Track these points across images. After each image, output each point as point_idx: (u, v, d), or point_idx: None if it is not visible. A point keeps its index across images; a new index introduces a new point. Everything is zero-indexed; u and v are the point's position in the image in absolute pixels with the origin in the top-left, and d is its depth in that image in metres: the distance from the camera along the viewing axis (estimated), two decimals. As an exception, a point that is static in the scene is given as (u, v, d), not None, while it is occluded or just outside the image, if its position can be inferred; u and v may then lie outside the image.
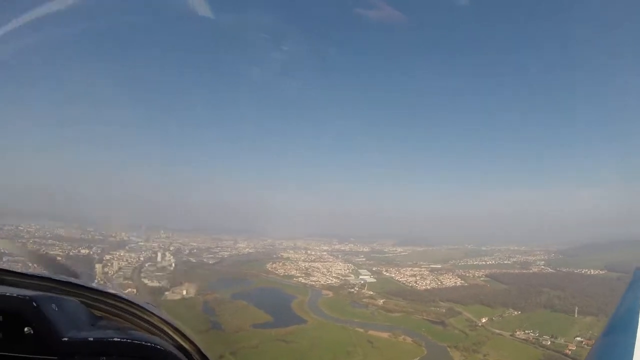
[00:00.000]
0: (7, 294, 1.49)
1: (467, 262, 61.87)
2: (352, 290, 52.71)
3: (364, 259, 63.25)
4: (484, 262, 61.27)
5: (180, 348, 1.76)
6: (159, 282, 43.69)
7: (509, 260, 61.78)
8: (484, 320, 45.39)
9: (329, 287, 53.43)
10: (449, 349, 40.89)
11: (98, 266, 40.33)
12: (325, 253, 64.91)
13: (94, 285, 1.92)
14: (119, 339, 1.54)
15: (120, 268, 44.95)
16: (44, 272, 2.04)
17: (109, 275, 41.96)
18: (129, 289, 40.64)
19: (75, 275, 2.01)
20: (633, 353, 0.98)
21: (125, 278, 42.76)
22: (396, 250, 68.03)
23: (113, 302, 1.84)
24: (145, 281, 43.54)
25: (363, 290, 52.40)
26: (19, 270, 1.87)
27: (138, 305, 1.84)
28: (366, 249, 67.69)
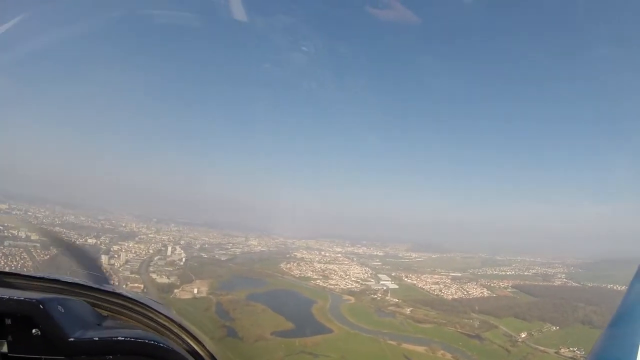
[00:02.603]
0: (16, 297, 1.44)
1: (486, 271, 55.65)
2: (375, 296, 45.62)
3: (380, 263, 56.28)
4: (503, 273, 55.10)
5: (187, 346, 1.63)
6: (168, 278, 35.88)
7: (528, 271, 55.80)
8: (523, 335, 39.00)
9: (350, 292, 46.24)
10: (493, 367, 34.23)
11: (104, 257, 32.68)
12: (339, 255, 57.74)
13: (99, 285, 1.76)
14: (123, 338, 1.46)
15: (127, 260, 36.92)
16: (51, 274, 1.88)
17: (115, 267, 34.13)
18: (136, 284, 32.87)
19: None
20: (638, 346, 0.94)
21: (132, 272, 34.88)
22: (411, 256, 61.29)
23: (119, 301, 1.72)
24: (154, 276, 35.65)
25: (387, 297, 45.42)
26: (27, 273, 1.77)
27: (144, 304, 1.72)
28: (380, 253, 60.79)
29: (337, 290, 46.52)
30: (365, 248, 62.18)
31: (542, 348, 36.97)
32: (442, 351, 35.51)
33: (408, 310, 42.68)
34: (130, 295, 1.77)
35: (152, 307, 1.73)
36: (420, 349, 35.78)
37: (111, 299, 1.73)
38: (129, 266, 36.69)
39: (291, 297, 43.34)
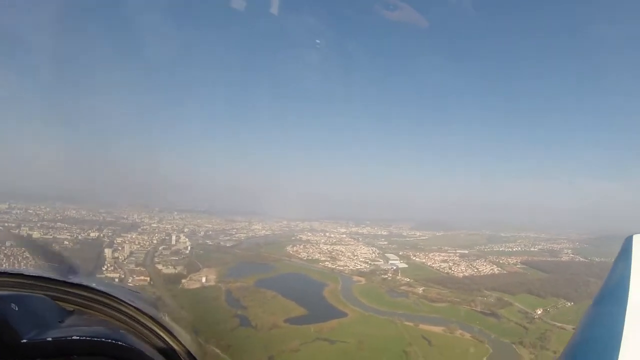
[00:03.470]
0: None
1: (492, 248, 54.69)
2: (386, 276, 44.16)
3: (386, 243, 54.85)
4: (510, 249, 54.20)
5: (162, 342, 1.48)
6: (175, 268, 33.57)
7: (534, 247, 55.03)
8: (539, 311, 38.03)
9: (360, 273, 44.71)
10: (513, 345, 33.16)
11: (107, 251, 30.20)
12: (344, 235, 56.07)
13: (65, 277, 1.56)
14: (78, 338, 1.28)
15: (131, 252, 34.42)
16: (13, 269, 1.63)
17: (120, 260, 31.61)
18: (142, 277, 30.43)
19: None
20: (623, 322, 0.95)
21: (137, 264, 32.44)
22: (416, 234, 60.04)
23: (87, 294, 1.54)
24: (160, 267, 33.24)
25: (397, 277, 43.95)
26: None
27: (114, 297, 1.56)
28: (385, 232, 59.40)
29: (346, 272, 44.92)
30: (369, 228, 60.62)
31: (559, 324, 35.93)
32: (460, 331, 34.27)
33: (420, 290, 41.33)
34: (100, 288, 1.51)
35: (123, 299, 1.51)
36: (438, 329, 34.45)
37: (78, 292, 1.49)
38: (133, 258, 34.42)
39: (301, 281, 41.53)
